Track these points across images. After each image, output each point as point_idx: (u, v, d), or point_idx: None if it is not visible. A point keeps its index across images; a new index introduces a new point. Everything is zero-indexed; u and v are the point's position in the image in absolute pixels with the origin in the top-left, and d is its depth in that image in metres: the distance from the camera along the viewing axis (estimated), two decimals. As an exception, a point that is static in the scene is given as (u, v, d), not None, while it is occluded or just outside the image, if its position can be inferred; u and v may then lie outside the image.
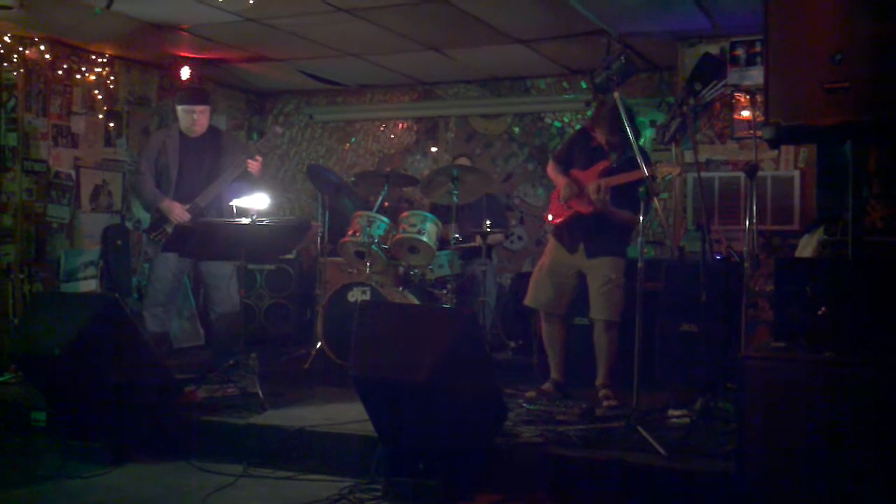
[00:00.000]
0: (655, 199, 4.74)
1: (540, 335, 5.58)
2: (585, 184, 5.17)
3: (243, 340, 5.49)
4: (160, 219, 5.93)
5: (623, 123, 4.82)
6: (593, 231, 5.20)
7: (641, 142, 5.04)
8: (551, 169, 5.49)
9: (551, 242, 5.45)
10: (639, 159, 4.67)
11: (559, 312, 5.39)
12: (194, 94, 6.18)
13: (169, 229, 5.82)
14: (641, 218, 4.51)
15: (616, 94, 4.82)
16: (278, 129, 6.31)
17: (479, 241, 6.62)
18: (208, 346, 7.27)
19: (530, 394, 5.32)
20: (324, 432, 4.57)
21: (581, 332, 5.60)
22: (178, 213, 5.84)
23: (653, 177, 4.62)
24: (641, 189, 4.49)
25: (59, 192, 7.16)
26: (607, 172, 5.15)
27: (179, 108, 6.06)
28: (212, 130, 6.15)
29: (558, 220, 5.34)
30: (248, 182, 6.01)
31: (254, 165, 5.91)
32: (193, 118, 5.98)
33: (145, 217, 6.36)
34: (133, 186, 6.96)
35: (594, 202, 5.06)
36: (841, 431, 3.32)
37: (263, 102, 9.59)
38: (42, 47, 6.96)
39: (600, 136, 5.24)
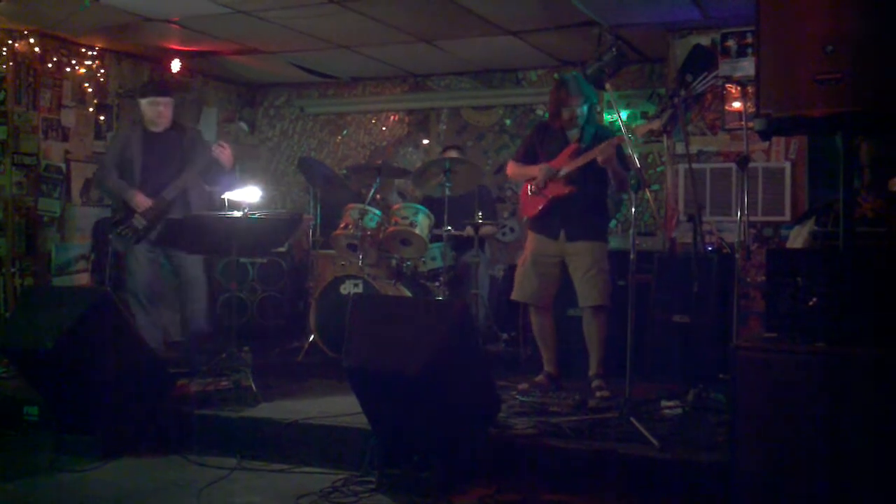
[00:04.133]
0: (647, 191, 4.75)
1: (531, 328, 5.59)
2: (558, 168, 5.20)
3: (234, 335, 5.45)
4: (127, 213, 5.80)
5: (580, 83, 5.11)
6: (572, 213, 5.21)
7: (608, 118, 5.13)
8: (513, 168, 5.49)
9: (530, 236, 5.44)
10: (621, 125, 4.74)
11: (546, 304, 5.41)
12: (158, 86, 6.15)
13: (138, 225, 5.72)
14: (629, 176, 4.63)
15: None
16: (243, 126, 6.21)
17: (469, 231, 6.61)
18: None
19: (523, 385, 5.33)
20: (317, 425, 4.57)
21: (574, 323, 5.60)
22: (140, 200, 5.72)
23: (618, 156, 4.65)
24: (633, 182, 4.51)
25: (50, 186, 7.14)
26: (577, 153, 5.17)
27: (144, 101, 5.93)
28: (177, 126, 6.04)
29: (535, 212, 5.34)
30: (223, 174, 5.92)
31: (223, 153, 5.79)
32: (159, 110, 5.87)
33: None
34: (98, 182, 6.90)
35: (604, 161, 5.00)
36: (833, 422, 3.33)
37: (254, 95, 9.56)
38: (31, 40, 6.93)
39: (567, 114, 5.22)
